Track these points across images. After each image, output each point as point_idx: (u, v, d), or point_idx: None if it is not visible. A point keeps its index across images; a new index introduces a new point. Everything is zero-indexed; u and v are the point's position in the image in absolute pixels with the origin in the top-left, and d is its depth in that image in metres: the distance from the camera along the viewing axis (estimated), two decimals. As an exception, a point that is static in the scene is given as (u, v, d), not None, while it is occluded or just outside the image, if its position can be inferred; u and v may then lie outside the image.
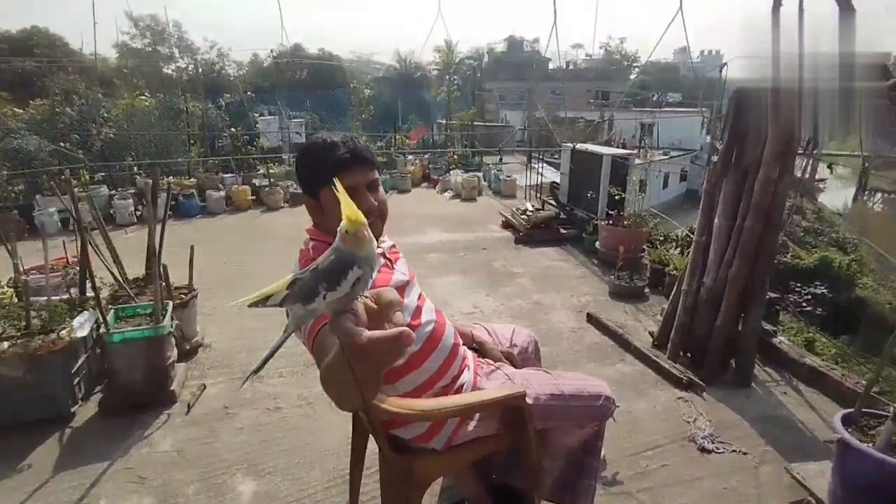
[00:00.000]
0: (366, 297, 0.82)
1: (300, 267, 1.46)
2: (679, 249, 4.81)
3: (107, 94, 11.16)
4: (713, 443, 2.46)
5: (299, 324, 0.85)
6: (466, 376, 1.69)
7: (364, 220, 0.78)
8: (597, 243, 5.29)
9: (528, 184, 8.67)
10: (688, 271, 3.26)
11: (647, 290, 4.42)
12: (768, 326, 3.38)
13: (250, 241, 6.46)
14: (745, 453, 2.41)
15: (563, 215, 6.43)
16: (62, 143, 7.36)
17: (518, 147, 14.80)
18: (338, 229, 0.80)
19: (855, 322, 7.17)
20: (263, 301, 0.78)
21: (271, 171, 8.76)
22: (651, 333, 3.59)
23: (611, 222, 5.12)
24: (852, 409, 2.00)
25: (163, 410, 2.77)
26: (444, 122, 12.49)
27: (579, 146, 6.55)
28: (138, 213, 7.19)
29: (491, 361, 1.88)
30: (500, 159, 8.31)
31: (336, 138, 1.44)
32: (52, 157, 7.40)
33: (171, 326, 2.84)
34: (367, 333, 0.74)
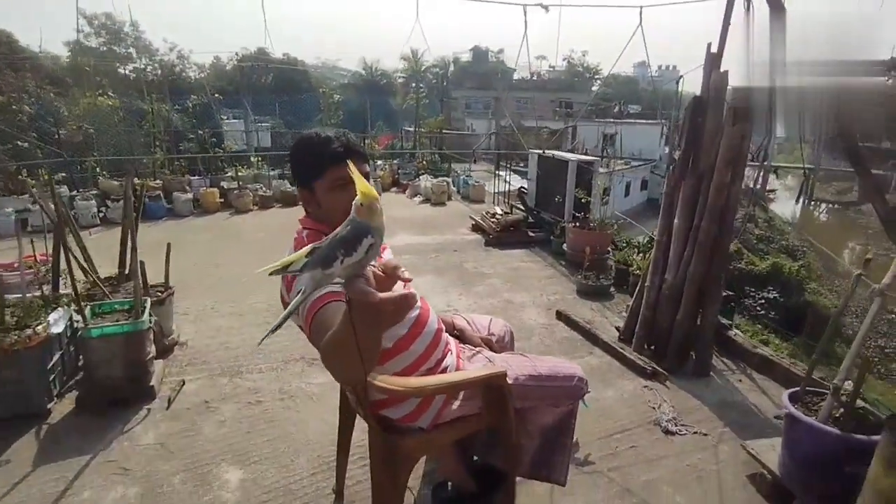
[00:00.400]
0: (374, 265, 0.94)
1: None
2: (641, 254, 5.09)
3: (59, 93, 10.82)
4: (676, 426, 2.65)
5: (317, 286, 0.94)
6: (450, 359, 1.81)
7: (376, 194, 0.89)
8: (564, 245, 5.50)
9: (496, 189, 8.88)
10: (650, 269, 3.48)
11: (612, 288, 4.64)
12: (725, 321, 3.62)
13: (221, 242, 6.40)
14: (705, 434, 2.61)
15: (531, 219, 6.64)
16: (19, 143, 7.11)
17: (486, 153, 15.09)
18: (353, 203, 0.91)
19: (804, 324, 7.62)
20: (284, 269, 0.88)
21: (240, 173, 8.69)
22: (617, 328, 3.79)
23: (577, 225, 5.34)
24: (798, 388, 2.21)
25: (142, 405, 2.77)
26: (413, 128, 12.63)
27: (546, 152, 6.78)
28: (101, 214, 7.02)
29: (472, 346, 2.01)
30: (473, 162, 8.43)
31: (330, 133, 1.55)
32: (8, 157, 7.15)
33: (151, 322, 2.85)
34: (380, 294, 0.86)
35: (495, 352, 2.07)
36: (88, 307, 2.85)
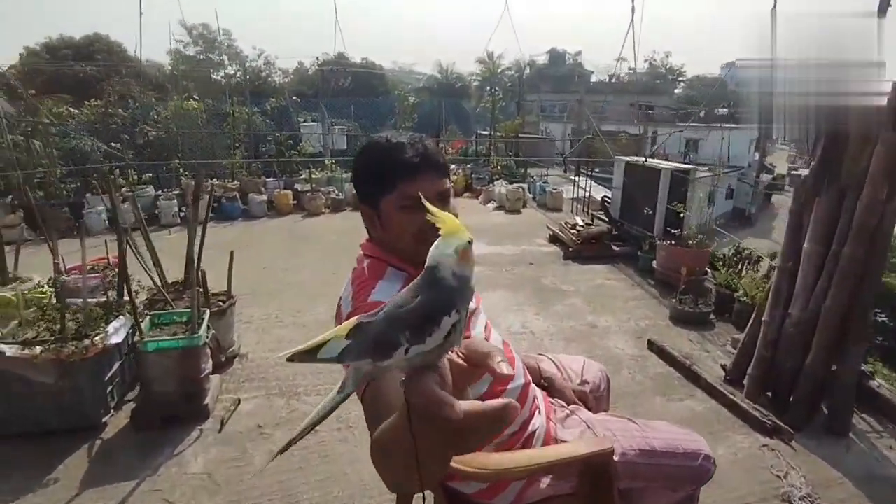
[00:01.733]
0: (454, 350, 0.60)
1: (353, 290, 1.23)
2: (744, 271, 4.42)
3: (159, 98, 11.44)
4: (812, 504, 2.12)
5: (364, 382, 0.61)
6: (538, 421, 1.44)
7: (468, 234, 0.60)
8: (654, 263, 4.94)
9: (575, 196, 8.33)
10: (770, 301, 2.91)
11: (712, 316, 4.04)
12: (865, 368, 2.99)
13: (291, 246, 6.36)
14: (852, 521, 2.06)
15: (614, 231, 6.09)
16: (112, 144, 7.47)
17: (561, 159, 14.47)
18: (431, 252, 0.59)
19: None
20: (313, 353, 0.56)
21: (314, 176, 8.71)
22: (723, 366, 3.24)
23: (672, 242, 4.75)
24: None
25: (195, 426, 2.60)
26: (488, 131, 12.26)
27: (636, 159, 6.21)
28: (182, 214, 7.22)
29: (563, 403, 1.62)
30: (566, 168, 7.88)
31: (403, 139, 1.22)
32: (104, 158, 7.54)
33: (207, 336, 2.68)
34: (463, 406, 0.51)
35: (589, 406, 1.69)
36: (148, 317, 2.73)
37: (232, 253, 3.32)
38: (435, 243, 0.59)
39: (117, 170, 7.06)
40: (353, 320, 0.59)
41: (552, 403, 1.58)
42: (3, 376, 2.37)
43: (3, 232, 4.41)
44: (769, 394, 2.89)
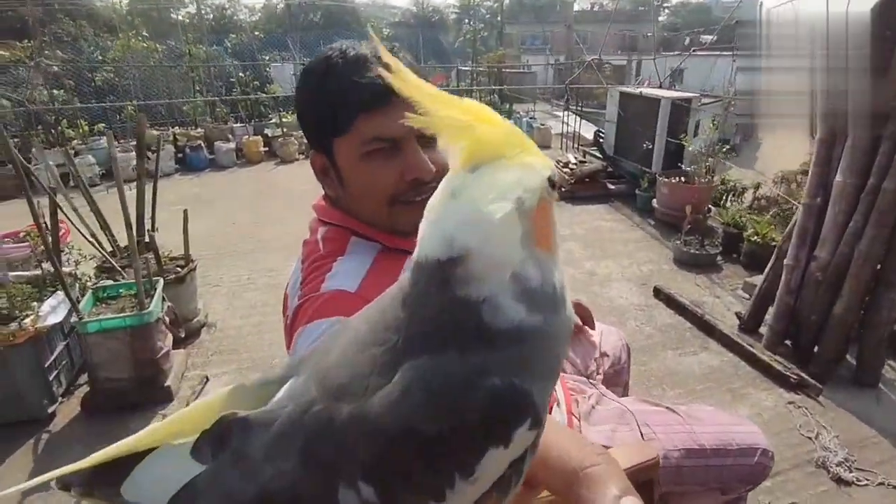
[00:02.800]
0: None
1: (303, 273, 0.88)
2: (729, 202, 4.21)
3: (113, 40, 10.46)
4: (851, 471, 1.91)
5: None
6: (557, 417, 1.14)
7: (545, 161, 0.36)
8: (654, 201, 4.62)
9: (563, 132, 7.87)
10: (794, 241, 2.62)
11: (719, 258, 3.77)
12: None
13: (262, 197, 5.90)
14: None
15: (609, 168, 5.73)
16: (54, 91, 6.74)
17: (543, 93, 13.77)
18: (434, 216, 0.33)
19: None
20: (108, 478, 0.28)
21: (284, 119, 8.09)
22: (738, 314, 3.00)
23: (682, 178, 4.38)
24: None
25: (157, 410, 2.29)
26: (470, 66, 11.51)
27: (629, 89, 5.75)
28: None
29: (583, 384, 1.33)
30: (567, 100, 7.23)
31: (363, 49, 0.82)
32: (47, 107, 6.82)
33: (161, 310, 2.33)
34: None
35: (610, 385, 1.41)
36: (90, 292, 2.35)
37: (185, 212, 2.91)
38: (446, 189, 0.33)
39: (64, 119, 6.40)
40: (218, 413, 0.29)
41: (571, 390, 1.27)
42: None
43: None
44: (788, 343, 2.66)
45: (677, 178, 4.40)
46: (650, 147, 5.01)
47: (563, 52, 16.73)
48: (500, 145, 0.32)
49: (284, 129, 7.84)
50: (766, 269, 2.84)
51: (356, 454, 0.27)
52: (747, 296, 3.12)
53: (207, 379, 2.52)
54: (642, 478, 0.98)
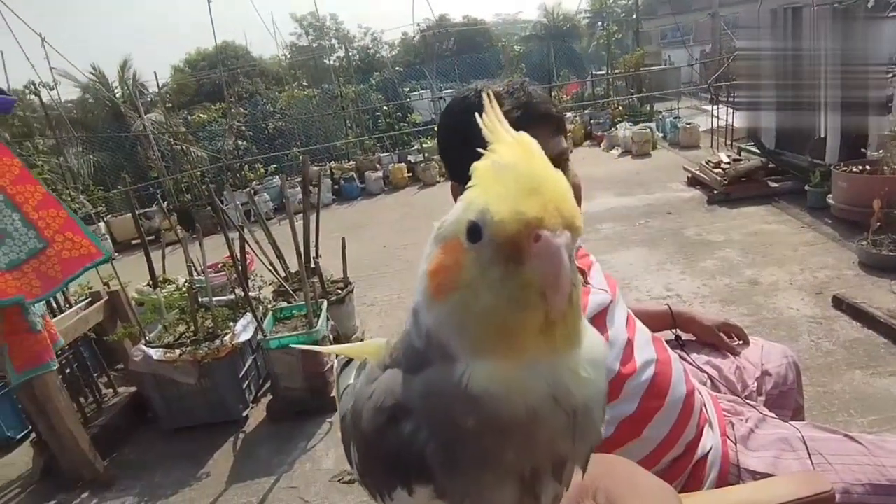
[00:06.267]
0: None
1: None
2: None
3: (281, 91, 12.13)
4: None
5: None
6: (710, 441, 1.07)
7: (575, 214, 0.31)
8: (829, 197, 4.03)
9: (713, 128, 7.22)
10: None
11: (922, 259, 3.16)
12: None
13: (409, 220, 6.32)
14: None
15: (770, 164, 5.12)
16: (238, 141, 8.01)
17: (686, 88, 12.73)
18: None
19: None
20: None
21: (425, 145, 8.61)
22: (950, 327, 2.49)
23: (864, 168, 3.79)
24: None
25: (325, 418, 2.59)
26: (605, 69, 11.13)
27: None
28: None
29: (739, 405, 1.23)
30: (715, 94, 6.61)
31: (497, 87, 0.90)
32: (235, 155, 8.14)
33: (327, 328, 2.64)
34: None
35: (774, 408, 1.28)
36: (270, 313, 2.75)
37: (343, 239, 3.26)
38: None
39: (246, 165, 7.54)
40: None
41: (725, 411, 1.19)
42: (157, 379, 2.53)
43: (163, 234, 4.89)
44: None
45: (860, 169, 3.80)
46: (823, 135, 4.39)
47: (710, 41, 15.38)
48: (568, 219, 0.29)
49: (425, 155, 8.34)
50: None
51: (351, 425, 0.36)
52: (964, 304, 2.58)
53: (366, 390, 2.78)
54: (812, 508, 0.90)
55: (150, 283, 3.34)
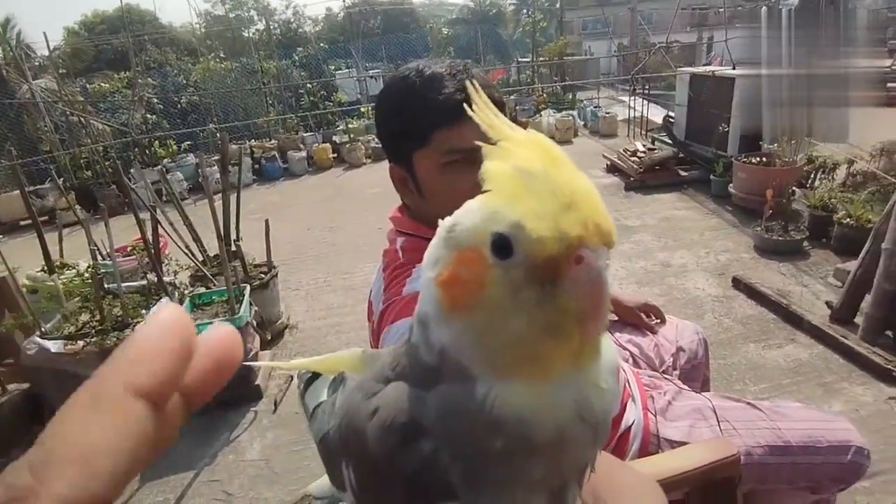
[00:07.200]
0: None
1: (385, 279, 0.95)
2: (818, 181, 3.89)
3: (196, 62, 11.31)
4: (966, 472, 1.75)
5: None
6: (633, 414, 1.14)
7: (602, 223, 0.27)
8: (730, 186, 4.39)
9: (630, 119, 7.61)
10: (893, 223, 2.42)
11: (806, 243, 3.53)
12: None
13: (334, 202, 6.16)
14: None
15: (680, 154, 5.49)
16: (147, 115, 7.40)
17: (607, 79, 13.32)
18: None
19: None
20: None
21: (351, 126, 8.39)
22: (828, 304, 2.80)
23: (760, 160, 4.14)
24: None
25: (249, 408, 2.49)
26: (531, 57, 11.37)
27: (700, 70, 5.49)
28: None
29: (658, 379, 1.32)
30: (633, 86, 6.90)
31: (439, 67, 0.88)
32: (143, 130, 7.51)
33: (250, 314, 2.52)
34: None
35: (687, 381, 1.39)
36: (188, 300, 2.59)
37: (267, 221, 3.12)
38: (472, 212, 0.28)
39: (156, 141, 7.00)
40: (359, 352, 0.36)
41: (645, 385, 1.27)
42: (56, 374, 2.30)
43: (59, 215, 4.43)
44: (890, 333, 2.46)
45: (756, 161, 4.16)
46: (726, 129, 4.76)
47: (627, 34, 16.10)
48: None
49: (351, 136, 8.13)
50: (862, 254, 2.64)
51: (346, 443, 0.31)
52: (839, 283, 2.91)
53: (292, 378, 2.69)
54: (721, 474, 0.98)
55: (45, 268, 3.03)
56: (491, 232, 0.26)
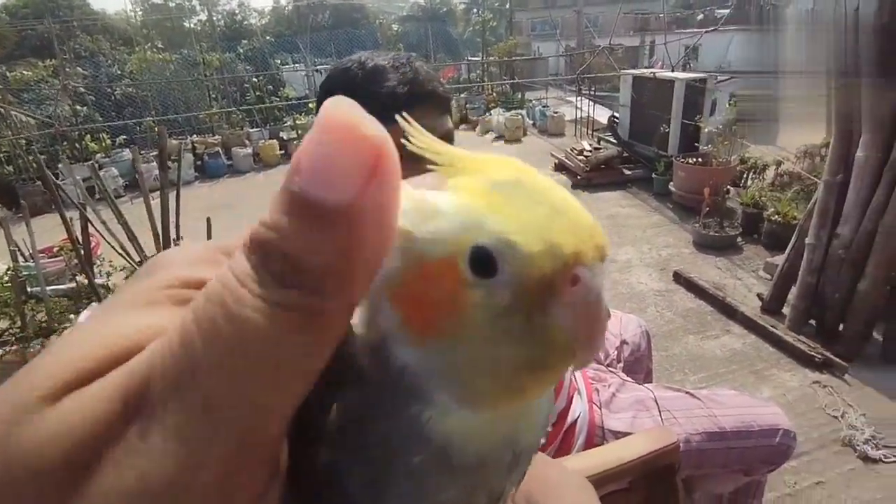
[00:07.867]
0: None
1: None
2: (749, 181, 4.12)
3: (132, 52, 10.71)
4: (878, 448, 1.90)
5: None
6: (579, 407, 1.17)
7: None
8: (671, 185, 4.58)
9: (577, 119, 7.80)
10: (815, 220, 2.59)
11: (739, 239, 3.73)
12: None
13: (282, 200, 5.99)
14: (926, 463, 1.84)
15: (625, 154, 5.68)
16: (77, 107, 6.95)
17: (555, 79, 13.64)
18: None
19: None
20: None
21: (298, 122, 8.19)
22: (759, 296, 2.97)
23: (697, 160, 4.34)
24: None
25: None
26: (481, 56, 11.47)
27: (641, 72, 5.69)
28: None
29: (603, 372, 1.36)
30: (579, 87, 7.05)
31: (382, 60, 0.85)
32: (73, 123, 7.04)
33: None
34: None
35: (631, 373, 1.44)
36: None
37: (209, 219, 3.00)
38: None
39: (87, 134, 6.58)
40: None
41: (590, 379, 1.30)
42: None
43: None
44: (813, 322, 2.63)
45: (694, 161, 4.36)
46: (666, 130, 4.96)
47: (574, 36, 16.52)
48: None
49: (299, 132, 7.94)
50: (788, 249, 2.81)
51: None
52: (769, 276, 3.09)
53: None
54: (662, 462, 1.02)
55: (-40, 270, 2.79)
56: (470, 244, 0.20)
